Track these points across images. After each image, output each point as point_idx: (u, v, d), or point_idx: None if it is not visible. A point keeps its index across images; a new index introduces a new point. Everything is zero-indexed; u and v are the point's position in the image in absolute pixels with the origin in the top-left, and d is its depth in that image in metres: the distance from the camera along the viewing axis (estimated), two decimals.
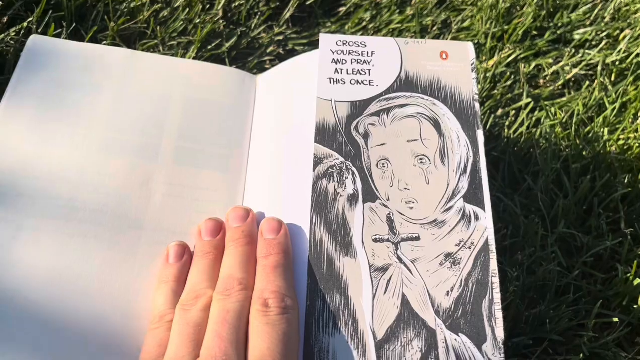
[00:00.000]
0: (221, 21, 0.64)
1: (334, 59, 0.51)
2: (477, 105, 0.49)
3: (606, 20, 0.79)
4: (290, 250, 0.43)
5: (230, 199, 0.49)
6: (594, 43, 0.77)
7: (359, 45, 0.52)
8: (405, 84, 0.50)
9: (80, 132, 0.49)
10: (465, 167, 0.46)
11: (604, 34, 0.77)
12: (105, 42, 0.62)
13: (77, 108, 0.51)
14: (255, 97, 0.55)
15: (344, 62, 0.51)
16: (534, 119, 0.67)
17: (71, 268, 0.44)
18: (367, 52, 0.51)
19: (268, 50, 0.65)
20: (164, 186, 0.48)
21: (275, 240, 0.43)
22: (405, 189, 0.45)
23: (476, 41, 0.73)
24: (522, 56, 0.72)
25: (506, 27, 0.74)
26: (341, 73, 0.50)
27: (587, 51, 0.74)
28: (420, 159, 0.46)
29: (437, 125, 0.48)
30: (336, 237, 0.43)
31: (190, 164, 0.50)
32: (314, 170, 0.46)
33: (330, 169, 0.46)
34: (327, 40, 0.52)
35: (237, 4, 0.66)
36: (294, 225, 0.45)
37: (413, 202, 0.45)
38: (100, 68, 0.53)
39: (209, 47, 0.63)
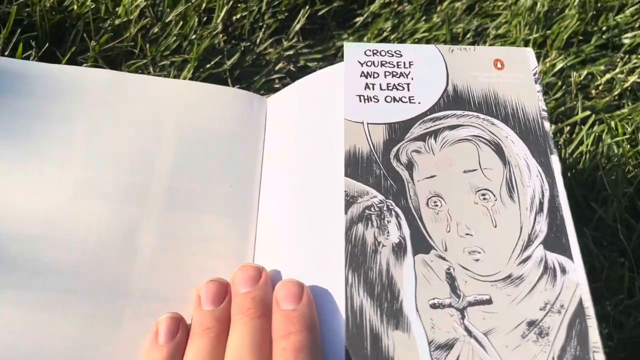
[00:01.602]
0: (221, 36, 0.54)
1: (363, 72, 0.41)
2: (547, 125, 0.39)
3: None
4: (317, 325, 0.32)
5: (237, 252, 0.39)
6: None
7: (392, 55, 0.42)
8: (454, 100, 0.40)
9: (50, 173, 0.39)
10: (541, 203, 0.36)
11: None
12: (85, 64, 0.52)
13: (46, 143, 0.41)
14: (266, 122, 0.45)
15: (375, 75, 0.41)
16: (592, 135, 0.56)
17: (33, 354, 0.33)
18: (404, 63, 0.41)
19: (277, 67, 0.55)
20: (154, 238, 0.38)
21: (295, 312, 0.32)
22: (467, 234, 0.35)
23: None
24: (569, 64, 0.62)
25: (548, 32, 0.65)
26: (373, 89, 0.40)
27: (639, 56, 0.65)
28: (483, 195, 0.36)
29: (499, 150, 0.38)
30: (381, 302, 0.33)
31: (187, 209, 0.39)
32: (345, 213, 0.35)
33: (367, 211, 0.35)
34: (353, 50, 0.42)
35: (238, 16, 0.56)
36: (323, 288, 0.34)
37: (479, 252, 0.34)
38: (75, 94, 0.43)
39: (208, 66, 0.53)
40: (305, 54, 0.58)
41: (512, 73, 0.41)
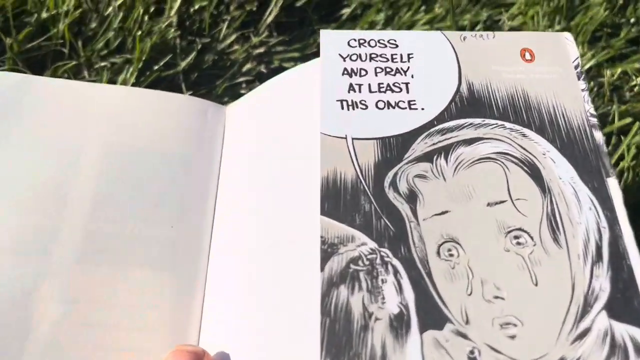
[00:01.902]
0: (172, 30, 0.44)
1: (346, 69, 0.30)
2: (599, 135, 0.28)
3: None
4: None
5: (175, 324, 0.28)
6: None
7: (385, 45, 0.31)
8: (470, 103, 0.29)
9: None
10: (599, 248, 0.25)
11: None
12: (1, 68, 0.41)
13: None
14: (224, 138, 0.34)
15: (363, 72, 0.30)
16: (632, 146, 0.46)
17: None
18: (401, 56, 0.31)
19: (244, 69, 0.45)
20: (58, 305, 0.27)
21: None
22: (497, 297, 0.24)
23: None
24: (599, 60, 0.52)
25: (571, 24, 0.54)
26: (360, 91, 0.30)
27: None
28: (516, 238, 0.25)
29: (535, 172, 0.27)
30: None
31: (109, 261, 0.29)
32: (322, 270, 0.25)
33: (352, 265, 0.25)
34: (333, 40, 0.32)
35: (196, 6, 0.46)
36: None
37: (514, 324, 0.24)
38: None
39: (156, 68, 0.42)
40: (280, 53, 0.47)
41: (546, 66, 0.30)
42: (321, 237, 0.25)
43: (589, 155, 0.28)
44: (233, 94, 0.44)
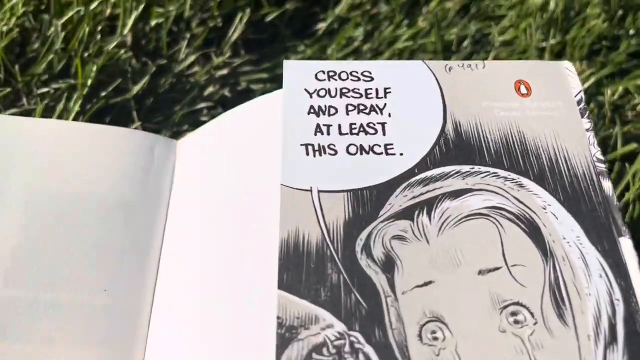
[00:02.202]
0: (122, 51, 0.39)
1: (313, 107, 0.26)
2: (608, 185, 0.24)
3: None
4: None
5: None
6: None
7: (358, 78, 0.27)
8: (458, 147, 0.25)
9: None
10: (612, 325, 0.21)
11: None
12: None
13: None
14: (173, 180, 0.30)
15: (332, 111, 0.26)
16: (638, 175, 0.42)
17: None
18: (376, 90, 0.27)
19: (205, 93, 0.40)
20: None
21: None
22: None
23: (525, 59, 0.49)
24: (598, 77, 0.48)
25: (566, 38, 0.50)
26: (329, 133, 0.25)
27: None
28: (513, 315, 0.21)
29: (534, 231, 0.23)
30: None
31: (23, 337, 0.24)
32: (278, 358, 0.20)
33: (314, 355, 0.20)
34: (298, 72, 0.27)
35: (153, 23, 0.41)
36: None
37: None
38: None
39: (104, 95, 0.38)
40: (248, 73, 0.43)
41: (545, 101, 0.26)
42: (277, 317, 0.21)
43: (597, 209, 0.23)
44: (193, 121, 0.39)
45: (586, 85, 0.48)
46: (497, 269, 0.22)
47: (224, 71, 0.41)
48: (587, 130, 0.26)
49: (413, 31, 0.48)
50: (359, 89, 0.26)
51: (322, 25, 0.49)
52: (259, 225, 0.24)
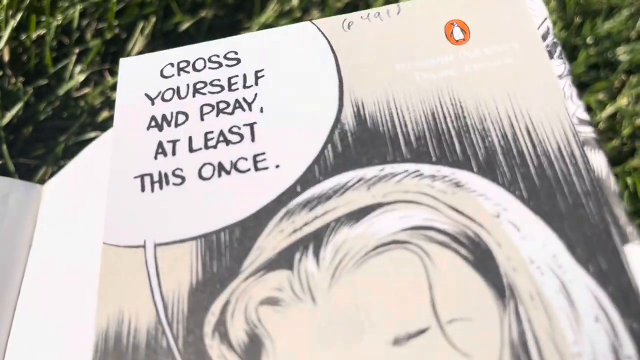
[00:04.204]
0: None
1: (155, 119, 0.18)
2: (601, 160, 0.15)
3: None
4: None
5: None
6: None
7: (220, 64, 0.19)
8: (359, 141, 0.17)
9: None
10: None
11: None
12: None
13: None
14: (33, 238, 0.23)
15: (181, 119, 0.18)
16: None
17: None
18: (245, 77, 0.19)
19: (100, 119, 0.33)
20: None
21: None
22: None
23: None
24: None
25: None
26: (174, 152, 0.17)
27: None
28: None
29: (482, 258, 0.14)
30: None
31: None
32: None
33: None
34: (137, 70, 0.19)
35: (34, 35, 0.34)
36: None
37: None
38: None
39: None
40: None
41: (491, 45, 0.17)
42: None
43: (583, 204, 0.15)
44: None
45: None
46: (424, 331, 0.14)
47: None
48: (561, 76, 0.16)
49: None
50: (219, 80, 0.18)
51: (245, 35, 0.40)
52: (90, 304, 0.17)
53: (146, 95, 0.19)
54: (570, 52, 0.40)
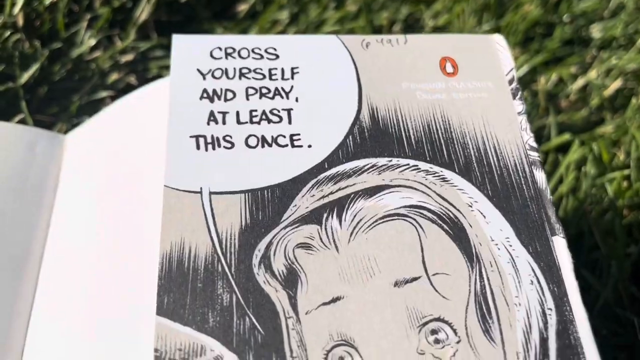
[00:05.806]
0: (8, 33, 0.34)
1: (206, 91, 0.22)
2: (541, 176, 0.22)
3: (630, 10, 0.54)
4: None
5: None
6: (622, 42, 0.52)
7: (261, 56, 0.23)
8: (374, 136, 0.22)
9: None
10: (544, 339, 0.18)
11: (632, 29, 0.52)
12: None
13: None
14: (59, 179, 0.25)
15: (229, 95, 0.22)
16: (571, 166, 0.40)
17: None
18: (282, 70, 0.23)
19: (110, 81, 0.35)
20: None
21: None
22: None
23: None
24: (533, 65, 0.46)
25: (501, 24, 0.48)
26: (225, 122, 0.21)
27: (615, 54, 0.49)
28: (433, 332, 0.18)
29: (459, 233, 0.20)
30: None
31: None
32: None
33: None
34: (190, 48, 0.23)
35: (47, 1, 0.36)
36: None
37: None
38: None
39: None
40: (159, 59, 0.38)
41: (473, 81, 0.23)
42: (155, 350, 0.17)
43: (529, 205, 0.21)
44: (94, 112, 0.34)
45: (521, 72, 0.46)
46: (416, 279, 0.19)
47: (130, 57, 0.37)
48: (519, 113, 0.23)
49: (341, 14, 0.45)
50: (261, 69, 0.23)
51: (244, 7, 0.45)
52: (142, 236, 0.20)
53: (198, 70, 0.22)
54: (547, 29, 0.47)
